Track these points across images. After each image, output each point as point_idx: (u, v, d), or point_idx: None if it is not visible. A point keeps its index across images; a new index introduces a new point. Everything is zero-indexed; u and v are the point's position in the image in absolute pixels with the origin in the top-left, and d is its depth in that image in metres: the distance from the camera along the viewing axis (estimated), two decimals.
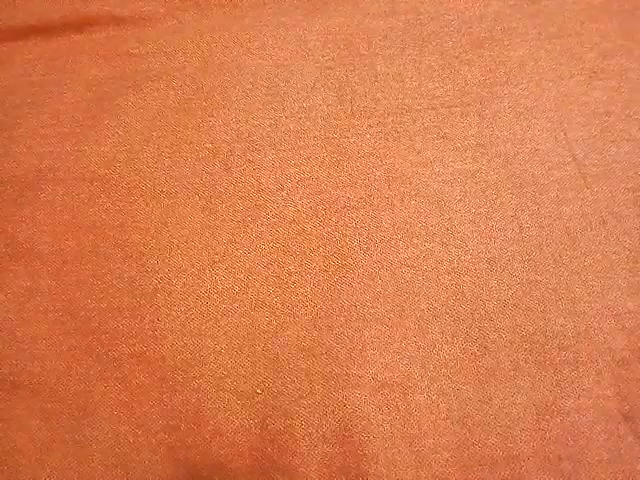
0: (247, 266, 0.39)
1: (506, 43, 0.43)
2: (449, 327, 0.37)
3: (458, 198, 0.39)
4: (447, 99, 0.41)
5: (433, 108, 0.41)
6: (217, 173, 0.41)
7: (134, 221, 0.40)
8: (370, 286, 0.38)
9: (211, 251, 0.39)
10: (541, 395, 0.36)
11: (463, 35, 0.43)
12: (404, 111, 0.41)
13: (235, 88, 0.42)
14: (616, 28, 0.43)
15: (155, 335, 0.38)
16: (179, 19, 0.45)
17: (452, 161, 0.40)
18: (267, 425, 0.36)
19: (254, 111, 0.42)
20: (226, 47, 0.44)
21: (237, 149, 0.41)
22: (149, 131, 0.42)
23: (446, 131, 0.41)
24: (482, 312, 0.37)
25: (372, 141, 0.41)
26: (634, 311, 0.37)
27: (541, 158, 0.40)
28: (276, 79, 0.43)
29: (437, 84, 0.42)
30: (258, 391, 0.37)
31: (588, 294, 0.37)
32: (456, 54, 0.43)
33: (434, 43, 0.43)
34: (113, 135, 0.42)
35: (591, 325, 0.37)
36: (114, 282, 0.39)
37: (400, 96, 0.42)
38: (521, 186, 0.39)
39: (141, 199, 0.40)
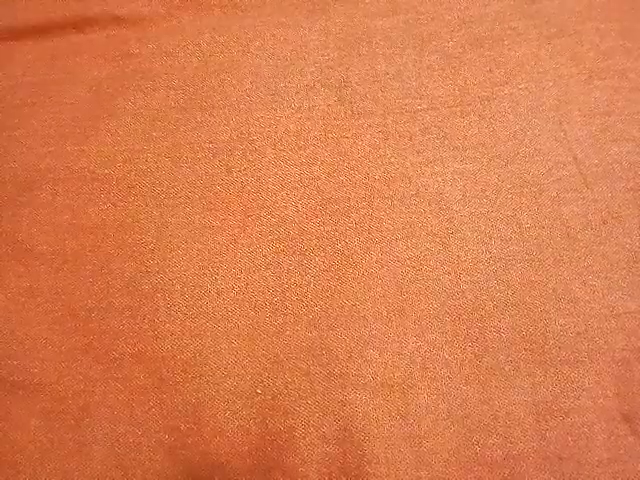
0: (247, 266, 0.39)
1: (506, 43, 0.43)
2: (449, 327, 0.37)
3: (458, 198, 0.39)
4: (447, 99, 0.41)
5: (433, 108, 0.41)
6: (217, 173, 0.41)
7: (134, 221, 0.40)
8: (370, 286, 0.38)
9: (211, 251, 0.39)
10: (541, 395, 0.36)
11: (463, 35, 0.43)
12: (404, 111, 0.41)
13: (235, 88, 0.42)
14: (616, 28, 0.43)
15: (155, 335, 0.38)
16: (179, 19, 0.45)
17: (452, 161, 0.40)
18: (267, 425, 0.36)
19: (254, 111, 0.42)
20: (226, 47, 0.44)
21: (237, 149, 0.41)
22: (149, 131, 0.42)
23: (446, 131, 0.41)
24: (482, 312, 0.37)
25: (372, 141, 0.41)
26: (634, 311, 0.37)
27: (541, 158, 0.40)
28: (276, 79, 0.43)
29: (437, 84, 0.42)
30: (258, 391, 0.37)
31: (588, 294, 0.37)
32: (456, 54, 0.43)
33: (434, 43, 0.43)
34: (113, 135, 0.42)
35: (591, 325, 0.37)
36: (114, 282, 0.39)
37: (400, 96, 0.42)
38: (521, 186, 0.39)
39: (141, 199, 0.40)
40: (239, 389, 0.37)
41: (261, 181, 0.40)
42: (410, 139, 0.41)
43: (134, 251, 0.39)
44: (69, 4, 0.45)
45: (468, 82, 0.42)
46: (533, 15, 0.43)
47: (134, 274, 0.39)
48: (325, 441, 0.36)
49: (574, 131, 0.40)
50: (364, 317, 0.37)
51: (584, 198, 0.39)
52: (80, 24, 0.45)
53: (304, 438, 0.36)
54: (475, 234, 0.39)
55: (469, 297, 0.38)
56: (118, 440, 0.37)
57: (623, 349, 0.37)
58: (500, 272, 0.38)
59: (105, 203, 0.40)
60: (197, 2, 0.45)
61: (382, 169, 0.40)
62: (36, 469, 0.36)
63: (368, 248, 0.39)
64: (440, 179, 0.40)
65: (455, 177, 0.40)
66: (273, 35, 0.44)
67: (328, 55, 0.43)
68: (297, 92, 0.42)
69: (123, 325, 0.38)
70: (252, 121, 0.42)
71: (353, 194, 0.40)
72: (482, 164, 0.40)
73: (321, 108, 0.42)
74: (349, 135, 0.41)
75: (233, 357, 0.37)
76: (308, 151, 0.41)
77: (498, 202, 0.39)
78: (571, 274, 0.38)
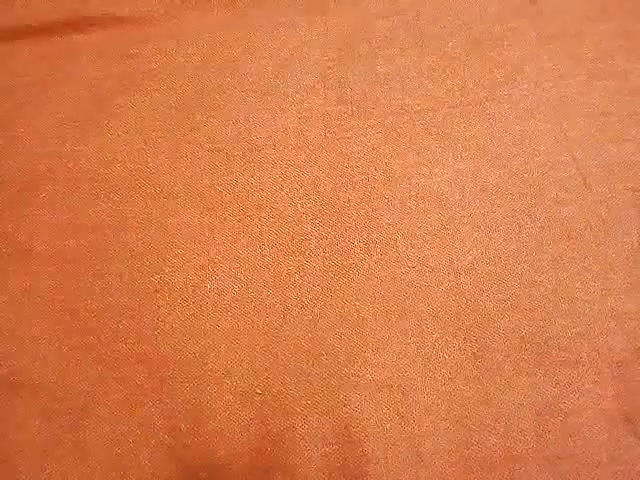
0: (247, 266, 0.39)
1: (506, 43, 0.43)
2: (449, 327, 0.37)
3: (458, 198, 0.39)
4: (447, 99, 0.41)
5: (433, 108, 0.41)
6: (217, 173, 0.41)
7: (134, 221, 0.40)
8: (370, 286, 0.38)
9: (211, 251, 0.39)
10: (541, 395, 0.36)
11: (463, 35, 0.43)
12: (404, 111, 0.41)
13: (235, 88, 0.42)
14: (616, 28, 0.43)
15: (155, 335, 0.38)
16: (179, 19, 0.45)
17: (452, 161, 0.40)
18: (267, 425, 0.36)
19: (254, 111, 0.42)
20: (226, 47, 0.44)
21: (237, 149, 0.41)
22: (149, 131, 0.42)
23: (446, 131, 0.41)
24: (482, 312, 0.37)
25: (372, 141, 0.41)
26: (634, 312, 0.37)
27: (541, 158, 0.40)
28: (276, 79, 0.43)
29: (437, 84, 0.42)
30: (258, 391, 0.37)
31: (588, 294, 0.37)
32: (456, 54, 0.43)
33: (434, 43, 0.43)
34: (113, 135, 0.42)
35: (591, 326, 0.37)
36: (114, 282, 0.39)
37: (400, 96, 0.42)
38: (521, 186, 0.39)
39: (141, 199, 0.40)
40: (239, 389, 0.37)
41: (261, 181, 0.40)
42: (410, 139, 0.41)
43: (134, 251, 0.39)
44: (69, 4, 0.45)
45: (468, 82, 0.42)
46: (533, 15, 0.43)
47: (134, 274, 0.39)
48: (325, 441, 0.36)
49: (574, 131, 0.40)
50: (364, 317, 0.37)
51: (584, 198, 0.39)
52: (80, 24, 0.45)
53: (304, 438, 0.36)
54: (475, 234, 0.39)
55: (469, 297, 0.38)
56: (118, 440, 0.37)
57: (623, 350, 0.37)
58: (500, 272, 0.38)
59: (105, 203, 0.40)
60: (197, 2, 0.45)
61: (382, 169, 0.40)
62: (36, 469, 0.36)
63: (368, 248, 0.39)
64: (440, 179, 0.40)
65: (455, 177, 0.40)
66: (273, 35, 0.44)
67: (328, 55, 0.43)
68: (297, 92, 0.42)
69: (123, 325, 0.38)
70: (252, 121, 0.42)
71: (353, 194, 0.40)
72: (482, 164, 0.40)
73: (321, 108, 0.42)
74: (349, 135, 0.41)
75: (233, 357, 0.37)
76: (308, 151, 0.41)
77: (498, 202, 0.39)
78: (571, 274, 0.38)
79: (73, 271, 0.39)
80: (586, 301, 0.37)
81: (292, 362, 0.37)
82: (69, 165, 0.41)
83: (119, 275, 0.39)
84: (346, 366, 0.37)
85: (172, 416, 0.37)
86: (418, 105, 0.41)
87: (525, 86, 0.41)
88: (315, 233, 0.39)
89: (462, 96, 0.41)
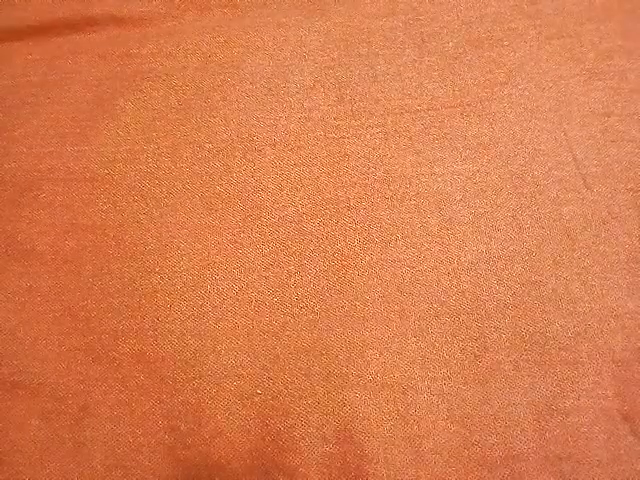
0: (247, 266, 0.39)
1: (506, 43, 0.43)
2: (449, 327, 0.37)
3: (458, 198, 0.39)
4: (447, 99, 0.42)
5: (433, 108, 0.41)
6: (217, 173, 0.41)
7: (134, 221, 0.40)
8: (370, 286, 0.38)
9: (211, 251, 0.39)
10: (541, 395, 0.36)
11: (463, 36, 0.43)
12: (404, 111, 0.41)
13: (235, 88, 0.43)
14: (616, 28, 0.43)
15: (155, 335, 0.38)
16: (179, 19, 0.45)
17: (452, 161, 0.40)
18: (267, 425, 0.36)
19: (254, 111, 0.42)
20: (226, 47, 0.44)
21: (237, 149, 0.41)
22: (149, 131, 0.42)
23: (446, 131, 0.41)
24: (482, 312, 0.37)
25: (372, 141, 0.41)
26: (634, 311, 0.37)
27: (541, 158, 0.40)
28: (276, 79, 0.43)
29: (437, 84, 0.42)
30: (258, 391, 0.37)
31: (588, 294, 0.37)
32: (456, 55, 0.43)
33: (434, 43, 0.43)
34: (113, 135, 0.42)
35: (591, 325, 0.37)
36: (114, 282, 0.39)
37: (400, 96, 0.42)
38: (521, 186, 0.39)
39: (141, 199, 0.40)
40: (239, 389, 0.37)
41: (261, 181, 0.40)
42: (410, 139, 0.41)
43: (134, 251, 0.39)
44: (69, 4, 0.45)
45: (468, 82, 0.42)
46: (533, 15, 0.43)
47: (134, 274, 0.39)
48: (325, 441, 0.36)
49: (574, 131, 0.40)
50: (364, 317, 0.37)
51: (584, 198, 0.39)
52: (80, 24, 0.45)
53: (304, 438, 0.36)
54: (475, 234, 0.39)
55: (469, 297, 0.38)
56: (118, 440, 0.37)
57: (623, 349, 0.37)
58: (500, 272, 0.38)
59: (105, 203, 0.40)
60: (197, 2, 0.45)
61: (382, 169, 0.40)
62: (36, 469, 0.36)
63: (368, 248, 0.39)
64: (440, 179, 0.40)
65: (455, 177, 0.40)
66: (273, 35, 0.44)
67: (328, 55, 0.43)
68: (297, 92, 0.42)
69: (123, 325, 0.38)
70: (252, 121, 0.42)
71: (353, 194, 0.40)
72: (482, 164, 0.40)
73: (321, 108, 0.42)
74: (349, 135, 0.41)
75: (233, 357, 0.37)
76: (308, 151, 0.41)
77: (498, 202, 0.39)
78: (571, 274, 0.38)
79: (73, 271, 0.39)
80: (586, 301, 0.37)
81: (292, 362, 0.37)
82: (69, 165, 0.41)
83: (119, 275, 0.39)
84: (346, 366, 0.37)
85: (172, 416, 0.37)
86: (418, 105, 0.41)
87: (525, 86, 0.41)
88: (315, 233, 0.39)
89: (462, 96, 0.41)
